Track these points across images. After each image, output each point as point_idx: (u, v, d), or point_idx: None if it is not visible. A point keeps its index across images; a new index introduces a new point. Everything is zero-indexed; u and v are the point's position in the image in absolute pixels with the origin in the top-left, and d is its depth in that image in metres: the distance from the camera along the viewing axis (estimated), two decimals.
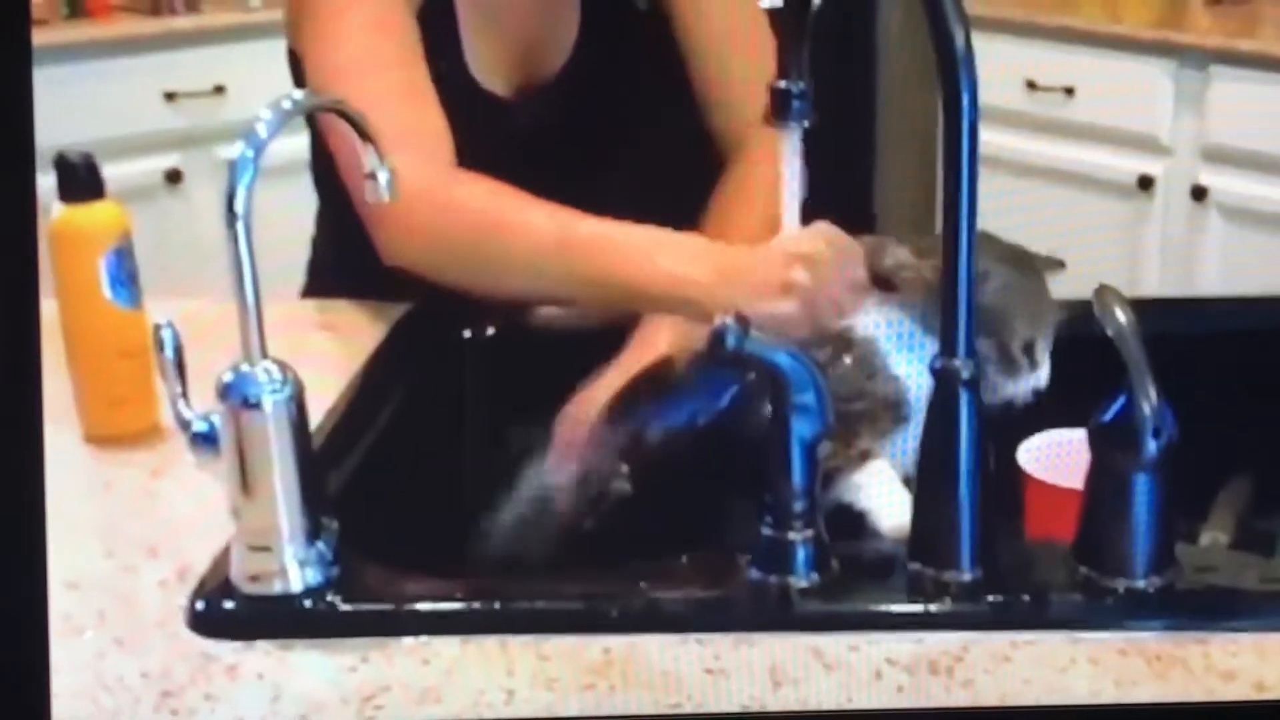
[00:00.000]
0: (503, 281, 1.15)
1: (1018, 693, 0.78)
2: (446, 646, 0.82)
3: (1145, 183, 2.73)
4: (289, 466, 0.84)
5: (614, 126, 1.31)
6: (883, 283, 1.01)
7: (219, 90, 2.73)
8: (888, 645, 0.81)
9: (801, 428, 0.84)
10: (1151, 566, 0.83)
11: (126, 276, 1.07)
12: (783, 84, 0.97)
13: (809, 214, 1.04)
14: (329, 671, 0.80)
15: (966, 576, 0.84)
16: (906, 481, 0.99)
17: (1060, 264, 1.04)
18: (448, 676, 0.80)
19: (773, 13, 0.97)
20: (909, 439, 0.99)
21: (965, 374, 0.84)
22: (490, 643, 0.82)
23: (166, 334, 0.86)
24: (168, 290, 1.15)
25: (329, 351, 1.22)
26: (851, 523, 0.98)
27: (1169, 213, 2.73)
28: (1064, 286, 1.06)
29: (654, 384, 1.08)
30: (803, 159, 1.00)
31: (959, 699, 0.77)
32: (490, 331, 1.25)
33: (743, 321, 0.82)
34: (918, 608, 0.84)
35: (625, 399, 1.08)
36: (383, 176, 0.91)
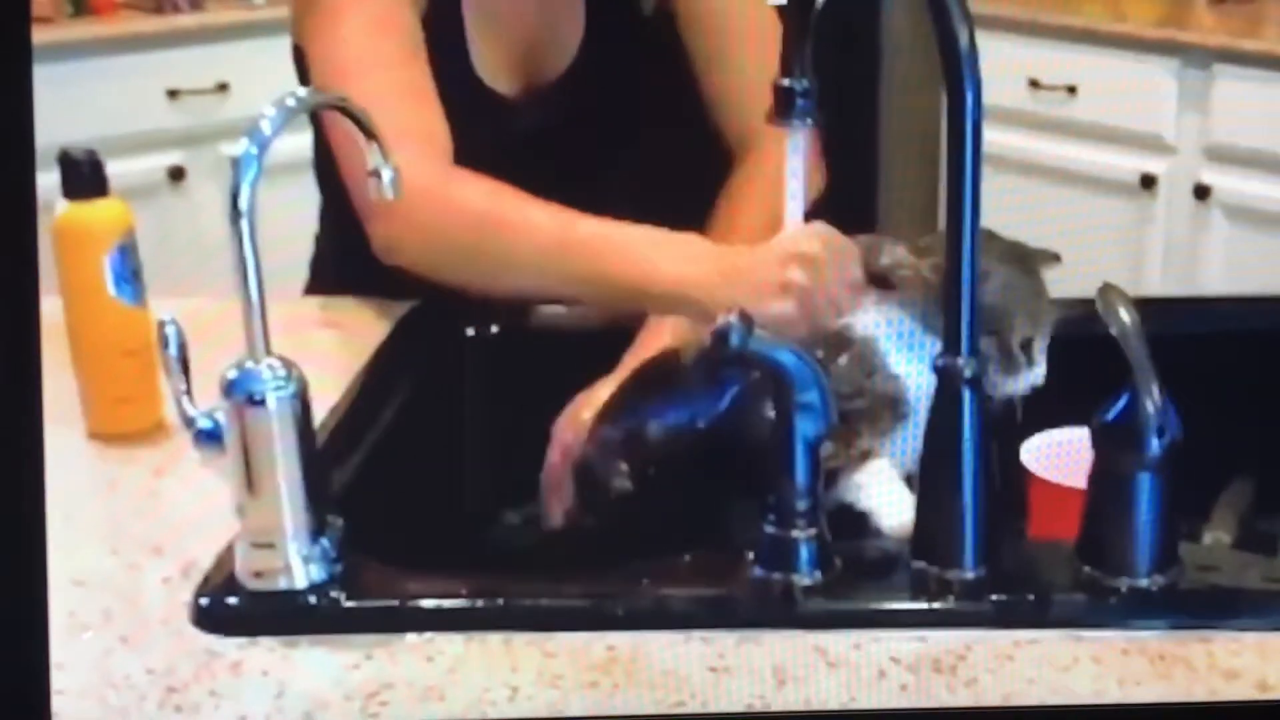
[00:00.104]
0: (501, 280, 1.15)
1: (1021, 692, 0.78)
2: (450, 644, 0.82)
3: (1148, 182, 2.73)
4: (293, 463, 0.84)
5: (618, 127, 1.32)
6: (880, 281, 1.01)
7: (222, 88, 2.73)
8: (891, 644, 0.81)
9: (805, 426, 0.84)
10: (1154, 566, 0.84)
11: (130, 274, 1.07)
12: (786, 82, 0.97)
13: (810, 213, 1.04)
14: (333, 668, 0.81)
15: (970, 575, 0.84)
16: (908, 480, 0.99)
17: (1056, 258, 1.04)
18: (451, 674, 0.80)
19: (780, 8, 0.97)
20: (909, 438, 1.00)
21: (968, 373, 0.84)
22: (494, 640, 0.82)
23: (171, 331, 0.86)
24: (170, 288, 1.15)
25: (332, 349, 1.22)
26: (853, 522, 0.98)
27: (1172, 212, 2.73)
28: (1067, 285, 1.06)
29: (656, 381, 1.08)
30: (807, 157, 1.00)
31: (962, 698, 0.77)
32: (494, 329, 1.25)
33: (746, 320, 0.82)
34: (921, 606, 0.84)
35: (627, 395, 1.08)
36: (386, 174, 0.91)
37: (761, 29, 1.27)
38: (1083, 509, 0.85)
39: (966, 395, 0.84)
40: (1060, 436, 1.03)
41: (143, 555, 0.92)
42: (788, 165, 1.01)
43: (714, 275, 1.03)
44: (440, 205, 1.14)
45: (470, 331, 1.25)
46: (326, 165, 1.27)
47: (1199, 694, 0.77)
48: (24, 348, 0.69)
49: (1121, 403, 0.81)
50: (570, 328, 1.24)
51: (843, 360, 0.99)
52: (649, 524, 1.05)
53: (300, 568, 0.85)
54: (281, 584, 0.85)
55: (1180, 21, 2.77)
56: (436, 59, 1.22)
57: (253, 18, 2.75)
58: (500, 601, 0.85)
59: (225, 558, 0.87)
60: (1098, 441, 0.83)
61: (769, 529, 0.85)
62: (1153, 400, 0.81)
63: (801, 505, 0.85)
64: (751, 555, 0.86)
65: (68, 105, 2.16)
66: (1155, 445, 0.81)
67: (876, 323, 1.00)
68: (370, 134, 0.89)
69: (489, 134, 1.19)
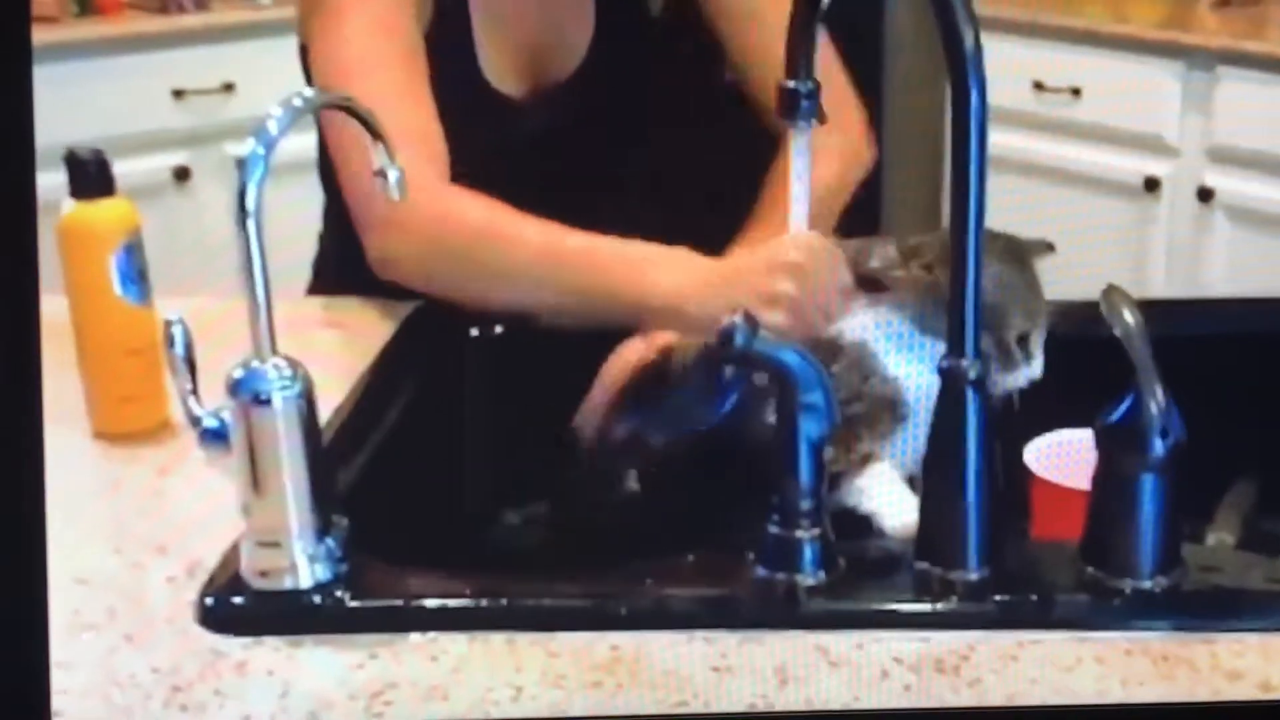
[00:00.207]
0: (494, 295, 1.16)
1: (1024, 692, 0.78)
2: (454, 643, 0.82)
3: (1151, 184, 2.73)
4: (299, 463, 0.84)
5: (625, 128, 1.32)
6: (871, 284, 1.01)
7: (228, 88, 2.73)
8: (894, 644, 0.81)
9: (809, 427, 0.84)
10: (1158, 567, 0.84)
11: (136, 273, 1.07)
12: (791, 84, 0.97)
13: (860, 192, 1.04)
14: (337, 668, 0.81)
15: (973, 576, 0.85)
16: (910, 482, 0.99)
17: (1050, 248, 1.04)
18: (455, 673, 0.80)
19: None
20: (909, 439, 1.00)
21: (972, 374, 0.84)
22: (498, 640, 0.82)
23: (177, 330, 0.86)
24: (175, 287, 1.16)
25: (335, 349, 1.22)
26: (856, 525, 0.98)
27: (1175, 214, 2.73)
28: (1070, 287, 1.06)
29: (659, 381, 1.08)
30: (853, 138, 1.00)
31: (965, 698, 0.78)
32: (498, 329, 1.25)
33: (751, 321, 0.82)
34: (924, 607, 0.84)
35: (631, 393, 1.08)
36: (392, 175, 0.91)
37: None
38: (1086, 510, 0.86)
39: (970, 396, 0.84)
40: (1064, 438, 1.03)
41: (148, 554, 0.93)
42: (792, 167, 1.01)
43: (703, 287, 1.04)
44: (435, 221, 1.14)
45: (474, 332, 1.25)
46: (332, 167, 1.28)
47: (1202, 695, 0.78)
48: (24, 348, 0.69)
49: (1125, 404, 0.82)
50: (573, 328, 1.24)
51: (837, 367, 0.99)
52: (652, 524, 1.05)
53: (305, 567, 0.85)
54: (286, 583, 0.85)
55: (1184, 23, 2.77)
56: (443, 62, 1.22)
57: (258, 18, 2.75)
58: (504, 601, 0.85)
59: (230, 557, 0.87)
60: (1101, 442, 0.84)
61: (772, 529, 0.85)
62: (1156, 401, 0.81)
63: (805, 505, 0.85)
64: (754, 555, 0.86)
65: (73, 105, 2.17)
66: (1159, 446, 0.81)
67: (870, 325, 1.01)
68: (376, 134, 0.89)
69: (496, 136, 1.20)
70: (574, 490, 1.12)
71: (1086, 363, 0.89)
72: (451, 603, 0.85)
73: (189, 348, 0.87)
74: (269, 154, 0.82)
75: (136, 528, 0.96)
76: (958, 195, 0.84)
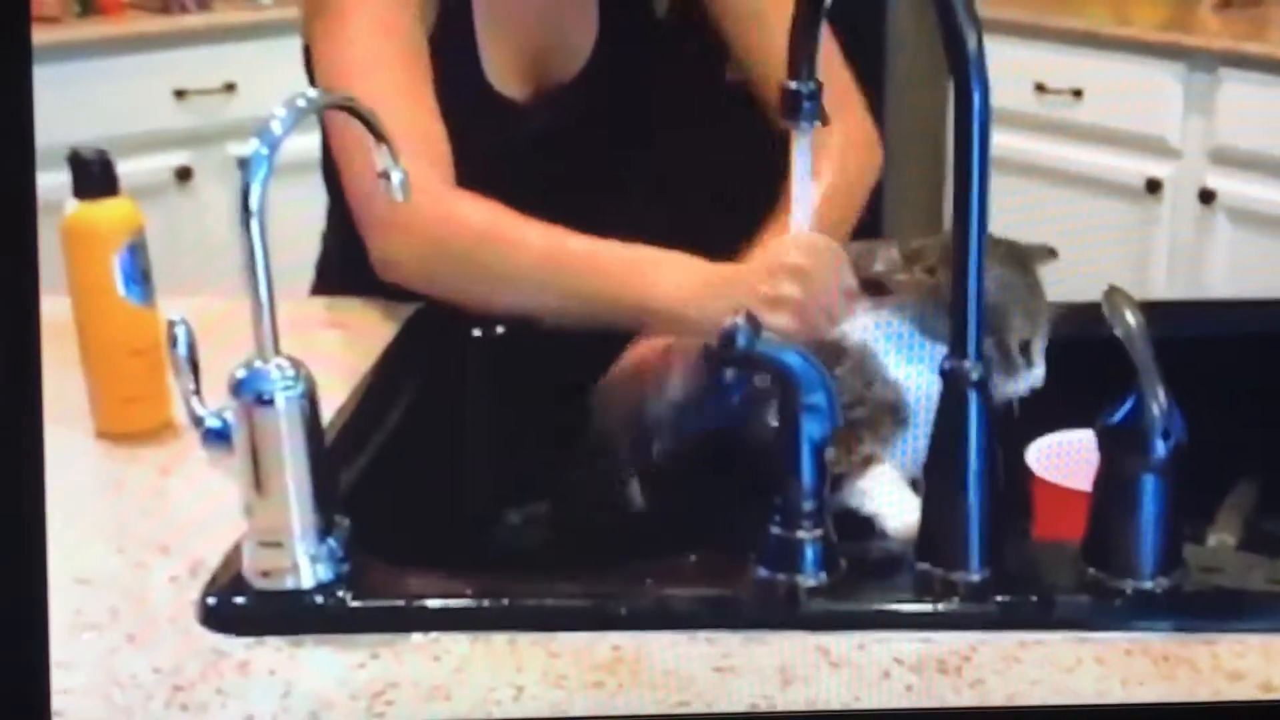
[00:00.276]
0: (496, 298, 1.16)
1: (1025, 693, 0.78)
2: (456, 643, 0.82)
3: (1153, 185, 2.73)
4: (301, 463, 0.84)
5: (629, 130, 1.32)
6: (873, 286, 1.01)
7: (229, 88, 2.73)
8: (896, 645, 0.81)
9: (811, 427, 0.84)
10: (1159, 568, 0.84)
11: (140, 273, 1.07)
12: (793, 84, 0.97)
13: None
14: (339, 668, 0.81)
15: (975, 577, 0.85)
16: (912, 483, 0.99)
17: (1052, 253, 1.04)
18: (457, 673, 0.80)
19: None
20: (911, 441, 1.00)
21: (974, 375, 0.85)
22: (499, 640, 0.82)
23: (180, 330, 0.86)
24: (177, 288, 1.16)
25: (338, 350, 1.22)
26: (857, 527, 0.98)
27: (1177, 215, 2.73)
28: (1072, 288, 1.06)
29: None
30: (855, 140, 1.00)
31: (967, 699, 0.78)
32: (500, 330, 1.25)
33: (753, 322, 0.82)
34: (926, 607, 0.84)
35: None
36: (396, 176, 0.91)
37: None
38: (1087, 511, 0.86)
39: (972, 398, 0.84)
40: (1065, 438, 1.03)
41: (150, 554, 0.93)
42: (794, 169, 1.01)
43: (705, 290, 1.04)
44: (438, 223, 1.14)
45: (476, 333, 1.25)
46: (335, 167, 1.28)
47: (1203, 695, 0.78)
48: (24, 348, 0.69)
49: (1127, 405, 0.82)
50: (575, 330, 1.24)
51: (840, 370, 0.99)
52: (654, 524, 1.05)
53: (307, 567, 0.85)
54: (289, 583, 0.85)
55: (1185, 25, 2.77)
56: (446, 64, 1.22)
57: (260, 18, 2.76)
58: (505, 602, 0.85)
59: (232, 557, 0.87)
60: (1103, 443, 0.84)
61: (774, 530, 0.86)
62: (1158, 403, 0.81)
63: (807, 506, 0.85)
64: (756, 556, 0.86)
65: (75, 105, 2.17)
66: (1160, 447, 0.82)
67: (872, 328, 1.00)
68: (379, 135, 0.90)
69: (499, 139, 1.20)
70: (575, 490, 1.12)
71: (1088, 364, 0.90)
72: (453, 603, 0.85)
73: (192, 348, 0.87)
74: (272, 154, 0.82)
75: (139, 527, 0.97)
76: (960, 197, 0.84)
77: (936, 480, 0.86)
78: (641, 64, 1.29)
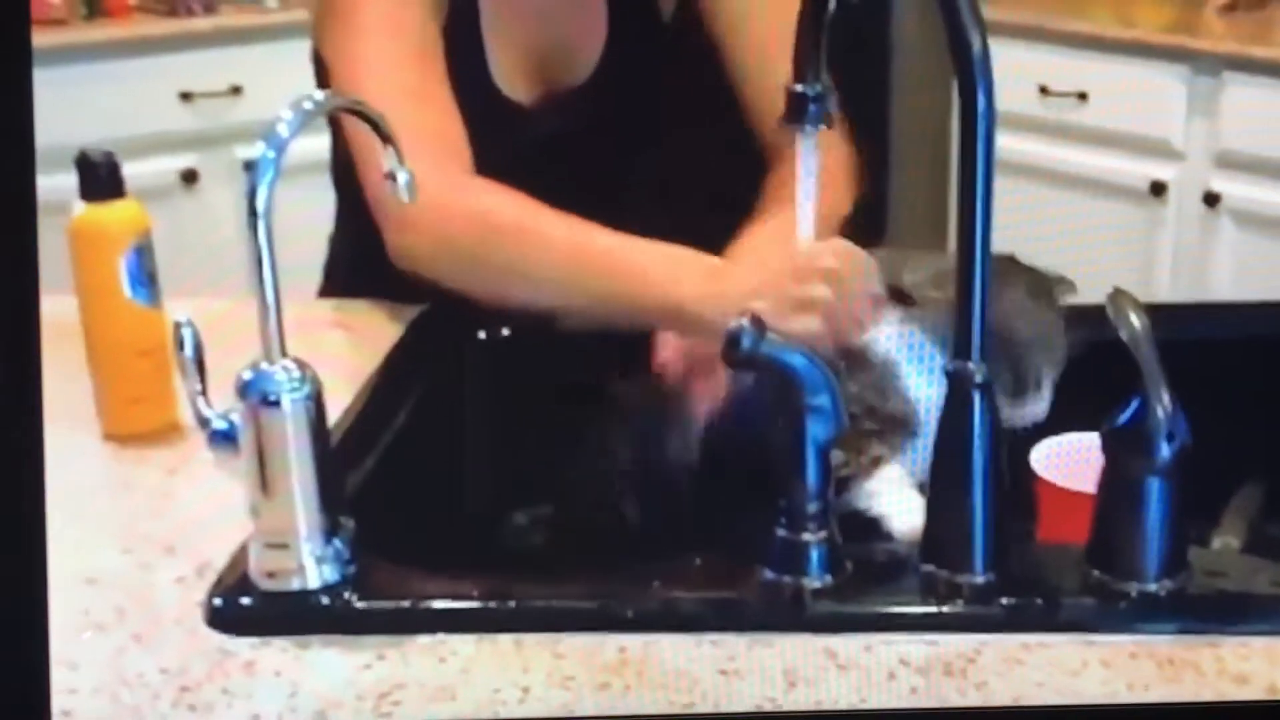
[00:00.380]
0: (515, 291, 1.15)
1: (1030, 695, 0.78)
2: (462, 644, 0.82)
3: (1158, 188, 2.73)
4: (307, 464, 0.84)
5: (637, 135, 1.32)
6: (902, 298, 1.01)
7: (235, 91, 2.74)
8: (901, 646, 0.81)
9: (816, 429, 0.84)
10: (1163, 570, 0.84)
11: (146, 275, 1.07)
12: (799, 87, 0.97)
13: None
14: (345, 669, 0.81)
15: (980, 579, 0.85)
16: (920, 488, 0.99)
17: (1072, 287, 1.05)
18: (463, 674, 0.80)
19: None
20: (922, 448, 1.00)
21: (978, 377, 0.85)
22: (505, 641, 0.83)
23: (186, 332, 0.87)
24: (183, 289, 1.16)
25: (343, 351, 1.23)
26: (864, 528, 0.98)
27: (1181, 218, 2.73)
28: (1077, 291, 1.06)
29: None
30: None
31: (972, 700, 0.78)
32: (505, 332, 1.25)
33: (758, 323, 0.82)
34: (931, 609, 0.84)
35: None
36: (402, 177, 0.91)
37: (790, 25, 1.27)
38: (1092, 513, 0.86)
39: (976, 400, 0.85)
40: (1070, 441, 1.03)
41: (156, 555, 0.93)
42: (800, 170, 1.01)
43: (733, 293, 1.02)
44: (458, 213, 1.14)
45: (481, 334, 1.25)
46: (343, 168, 1.28)
47: (1207, 698, 0.78)
48: (24, 348, 0.69)
49: (1131, 408, 0.82)
50: (582, 330, 1.24)
51: (860, 380, 0.99)
52: (660, 526, 1.05)
53: (313, 568, 0.85)
54: (295, 584, 0.85)
55: (1190, 28, 2.77)
56: (453, 68, 1.22)
57: (266, 21, 2.76)
58: (512, 603, 0.85)
59: (239, 558, 0.88)
60: (1107, 446, 0.84)
61: (779, 532, 0.86)
62: (1162, 405, 0.81)
63: (812, 508, 0.85)
64: (762, 558, 0.86)
65: (81, 107, 2.18)
66: (1165, 450, 0.82)
67: (897, 341, 1.00)
68: (386, 137, 0.90)
69: (507, 143, 1.19)
70: (581, 492, 1.12)
71: (1093, 366, 0.90)
72: (459, 604, 0.85)
73: (198, 349, 0.87)
74: (279, 157, 0.82)
75: (145, 528, 0.97)
76: (964, 199, 0.84)
77: (941, 482, 0.86)
78: (649, 67, 1.29)
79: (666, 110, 1.31)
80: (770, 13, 1.28)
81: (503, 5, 1.26)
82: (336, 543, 0.86)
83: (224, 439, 0.86)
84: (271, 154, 0.82)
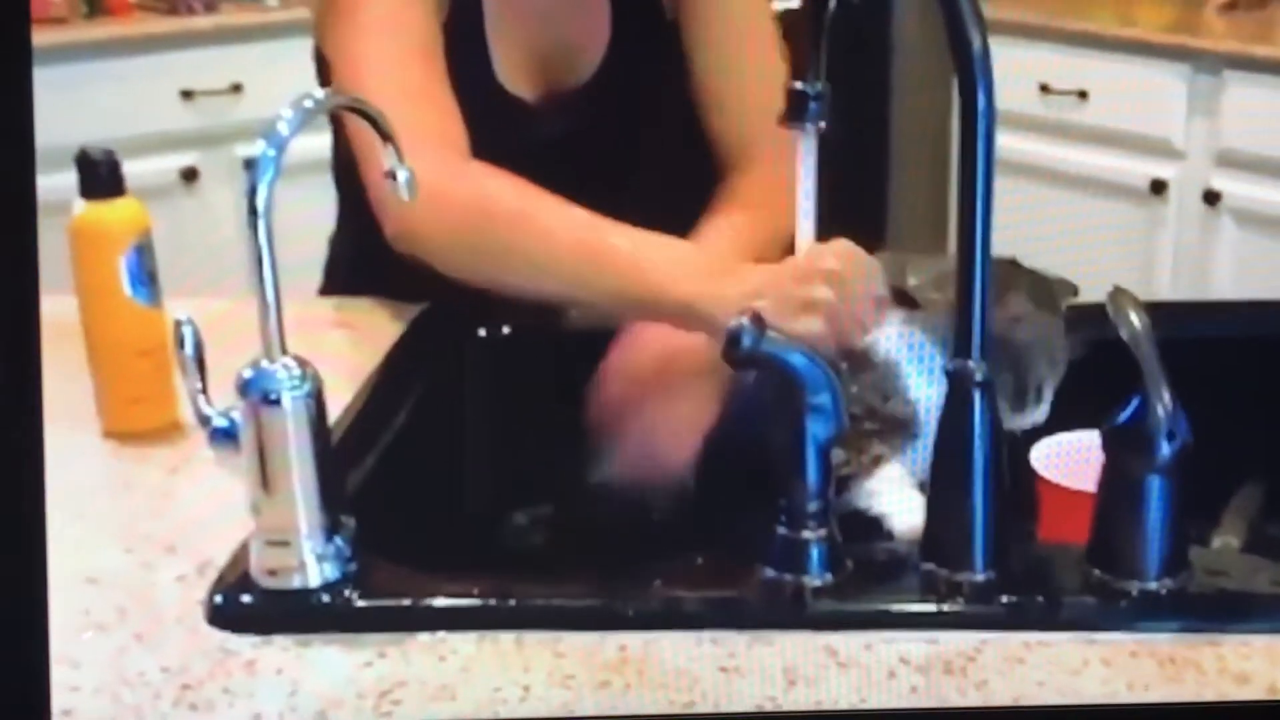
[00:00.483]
0: (514, 277, 1.13)
1: (1031, 693, 0.78)
2: (463, 643, 0.82)
3: (1158, 187, 2.73)
4: (308, 462, 0.84)
5: (642, 133, 1.31)
6: (904, 299, 1.01)
7: (236, 89, 2.74)
8: (902, 645, 0.82)
9: (816, 428, 0.84)
10: (1164, 569, 0.84)
11: (146, 274, 1.07)
12: (799, 86, 0.97)
13: (821, 216, 1.04)
14: (346, 667, 0.81)
15: (980, 577, 0.85)
16: (922, 488, 0.99)
17: (1074, 290, 1.05)
18: (464, 673, 0.80)
19: (784, 15, 0.97)
20: (923, 449, 1.00)
21: (979, 376, 0.85)
22: (506, 639, 0.83)
23: (187, 331, 0.87)
24: (184, 288, 1.16)
25: (344, 349, 1.23)
26: (865, 527, 0.98)
27: (1181, 217, 2.73)
28: (1079, 294, 1.06)
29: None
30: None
31: (972, 699, 0.78)
32: (505, 330, 1.25)
33: (759, 321, 0.82)
34: (931, 608, 0.84)
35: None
36: (402, 176, 0.91)
37: (763, 35, 1.27)
38: (1092, 512, 0.86)
39: (977, 398, 0.85)
40: (1070, 440, 1.03)
41: (157, 553, 0.93)
42: (801, 170, 1.01)
43: (737, 293, 1.02)
44: (457, 197, 1.13)
45: (482, 333, 1.25)
46: (345, 168, 1.28)
47: (1208, 697, 0.78)
48: (24, 347, 0.69)
49: (1132, 406, 0.82)
50: (581, 329, 1.24)
51: (862, 381, 0.99)
52: (660, 525, 1.05)
53: (314, 566, 0.85)
54: (296, 582, 0.85)
55: (1190, 27, 2.77)
56: (457, 65, 1.21)
57: (266, 19, 2.76)
58: (512, 601, 0.85)
59: (239, 556, 0.88)
60: (1108, 445, 0.84)
61: (780, 530, 0.86)
62: (1163, 404, 0.81)
63: (812, 507, 0.85)
64: (762, 557, 0.86)
65: (82, 106, 2.18)
66: (1165, 449, 0.82)
67: (899, 343, 1.00)
68: (386, 135, 0.90)
69: (510, 141, 1.19)
70: (582, 491, 1.12)
71: (1093, 365, 0.90)
72: (460, 602, 0.85)
73: (199, 348, 0.87)
74: (280, 155, 0.82)
75: (146, 527, 0.97)
76: (965, 198, 0.84)
77: (942, 481, 0.86)
78: (653, 67, 1.29)
79: (672, 110, 1.31)
80: (734, 11, 1.28)
81: (506, 5, 1.26)
82: (337, 541, 0.86)
83: (225, 437, 0.86)
84: (272, 152, 0.82)
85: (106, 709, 0.78)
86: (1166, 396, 0.81)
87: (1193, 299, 2.66)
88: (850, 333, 1.00)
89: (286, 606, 0.85)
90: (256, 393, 0.84)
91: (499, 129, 1.21)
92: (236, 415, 0.85)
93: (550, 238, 1.11)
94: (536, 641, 0.82)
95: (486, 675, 0.80)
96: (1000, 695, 0.78)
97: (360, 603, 0.85)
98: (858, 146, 3.05)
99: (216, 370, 0.87)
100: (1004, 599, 0.84)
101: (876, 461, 0.99)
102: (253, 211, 0.82)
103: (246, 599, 0.85)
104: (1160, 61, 2.69)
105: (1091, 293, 0.93)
